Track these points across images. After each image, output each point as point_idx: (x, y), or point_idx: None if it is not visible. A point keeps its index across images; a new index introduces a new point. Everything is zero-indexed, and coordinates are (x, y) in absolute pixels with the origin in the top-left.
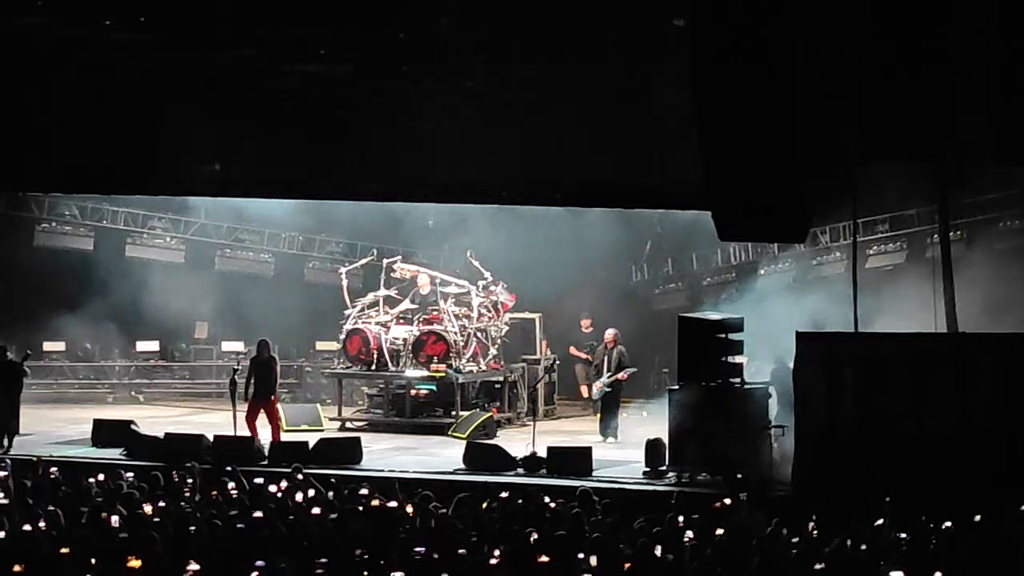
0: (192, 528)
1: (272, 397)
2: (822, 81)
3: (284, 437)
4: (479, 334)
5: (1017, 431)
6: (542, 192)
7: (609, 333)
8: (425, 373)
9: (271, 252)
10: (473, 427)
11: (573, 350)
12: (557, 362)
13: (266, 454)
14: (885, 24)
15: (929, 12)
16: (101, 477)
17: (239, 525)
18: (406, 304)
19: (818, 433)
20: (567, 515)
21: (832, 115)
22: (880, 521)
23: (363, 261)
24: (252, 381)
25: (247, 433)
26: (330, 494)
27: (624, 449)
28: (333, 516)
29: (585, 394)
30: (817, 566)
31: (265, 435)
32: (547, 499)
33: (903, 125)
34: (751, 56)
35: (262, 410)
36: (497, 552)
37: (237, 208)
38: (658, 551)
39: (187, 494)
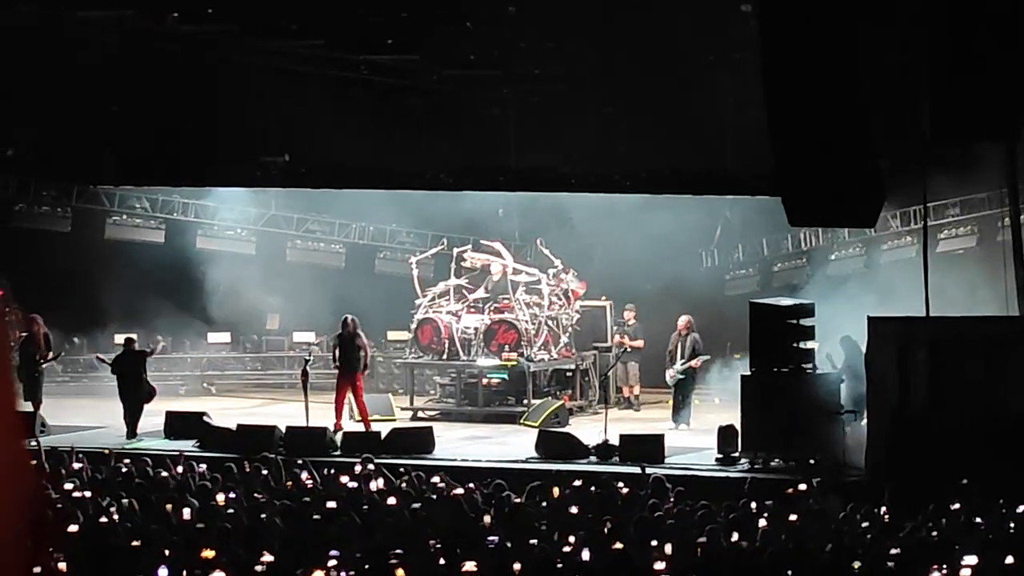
0: (265, 519)
1: (357, 374)
2: (892, 62)
3: (355, 427)
4: (550, 322)
5: None
6: (612, 179)
7: (682, 320)
8: (497, 362)
9: (342, 243)
10: (545, 415)
11: (624, 340)
12: (628, 349)
13: (339, 444)
14: (957, 2)
15: None
16: (177, 469)
17: (313, 516)
18: (478, 293)
19: (891, 418)
20: (640, 502)
21: (902, 97)
22: (956, 505)
23: (434, 250)
24: (337, 355)
25: (322, 422)
26: (403, 484)
27: (697, 436)
28: (408, 505)
29: (627, 394)
30: (892, 551)
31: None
32: (621, 485)
33: (974, 106)
34: (820, 39)
35: (349, 388)
36: (572, 539)
37: (307, 199)
38: (732, 537)
39: (260, 485)
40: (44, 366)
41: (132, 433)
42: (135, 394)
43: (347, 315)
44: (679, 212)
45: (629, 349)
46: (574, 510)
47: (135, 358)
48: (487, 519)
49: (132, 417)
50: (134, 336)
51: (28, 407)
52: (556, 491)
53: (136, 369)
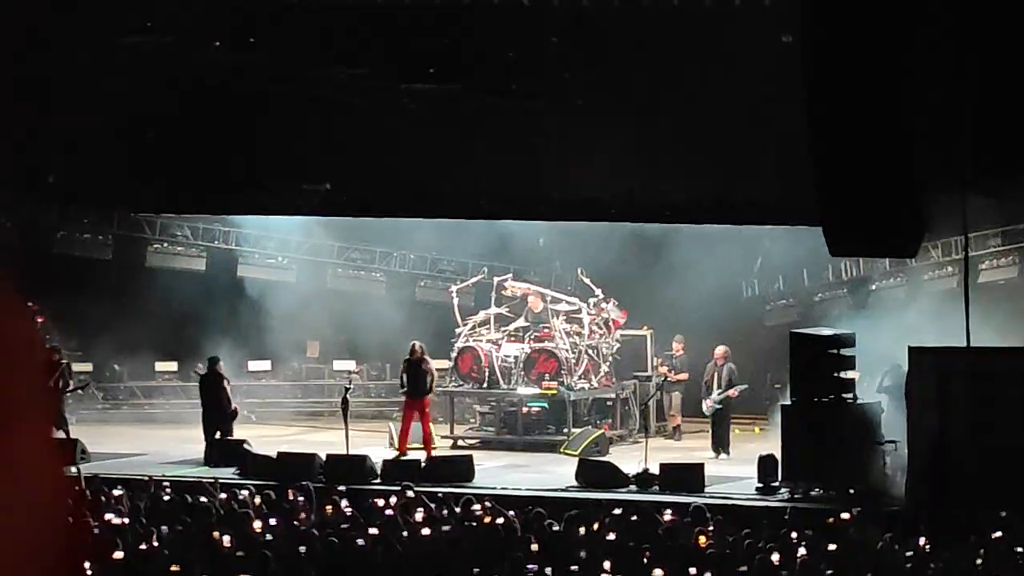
0: (305, 546)
1: (424, 398)
2: (936, 93)
3: (395, 455)
4: (590, 351)
5: None
6: (653, 209)
7: (719, 350)
8: (537, 391)
9: (383, 271)
10: (585, 444)
11: (666, 370)
12: (669, 379)
13: (378, 472)
14: (1003, 33)
15: None
16: (219, 496)
17: (353, 543)
18: (518, 322)
19: (931, 448)
20: (680, 531)
21: (945, 127)
22: (998, 534)
23: (474, 279)
24: (404, 381)
25: (362, 450)
26: (446, 510)
27: (736, 465)
28: (447, 533)
29: (674, 423)
30: None
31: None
32: (665, 514)
33: (1016, 138)
34: (864, 69)
35: (416, 412)
36: (608, 564)
37: (349, 227)
38: (772, 563)
39: (300, 513)
40: (68, 395)
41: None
42: (214, 414)
43: (414, 341)
44: (720, 241)
45: (673, 380)
46: (611, 537)
47: (216, 379)
48: (534, 547)
49: (210, 435)
50: (219, 356)
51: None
52: (595, 523)
53: (214, 388)
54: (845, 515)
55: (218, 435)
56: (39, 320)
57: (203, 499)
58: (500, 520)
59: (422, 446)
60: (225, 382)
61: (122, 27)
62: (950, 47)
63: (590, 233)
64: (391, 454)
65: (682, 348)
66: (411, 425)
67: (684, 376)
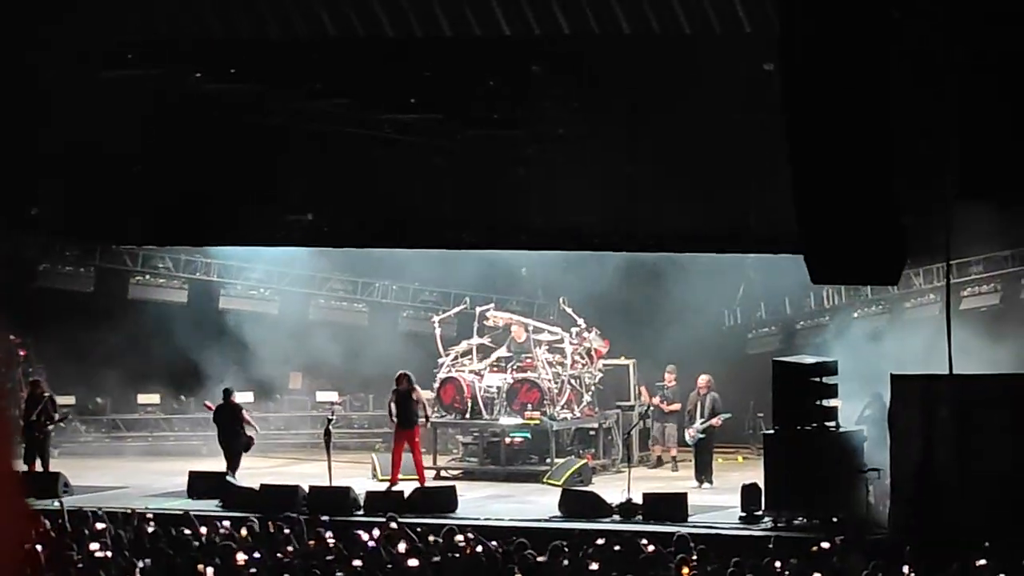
0: None
1: (415, 428)
2: (916, 121)
3: (380, 487)
4: (573, 381)
5: None
6: (635, 238)
7: (702, 379)
8: (519, 421)
9: (365, 301)
10: (568, 474)
11: (658, 401)
12: (652, 408)
13: (361, 504)
14: (984, 61)
15: None
16: (203, 530)
17: (337, 572)
18: (500, 352)
19: (914, 475)
20: (664, 560)
21: (927, 156)
22: (982, 562)
23: (456, 309)
24: (394, 412)
25: (345, 481)
26: (429, 540)
27: (720, 494)
28: (431, 564)
29: (658, 452)
30: None
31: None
32: (645, 542)
33: (999, 166)
34: (844, 98)
35: (406, 442)
36: None
37: (331, 258)
38: None
39: (283, 545)
40: (50, 428)
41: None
42: (232, 444)
43: (402, 371)
44: (702, 270)
45: (666, 411)
46: (594, 567)
47: (232, 409)
48: None
49: (231, 466)
50: (232, 388)
51: (23, 468)
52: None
53: (231, 419)
54: (828, 544)
55: (238, 464)
56: (21, 353)
57: (186, 531)
58: (483, 550)
59: (413, 476)
60: (244, 412)
61: (104, 60)
62: (929, 76)
63: (572, 263)
64: (374, 485)
65: (674, 378)
66: (401, 455)
67: (676, 407)
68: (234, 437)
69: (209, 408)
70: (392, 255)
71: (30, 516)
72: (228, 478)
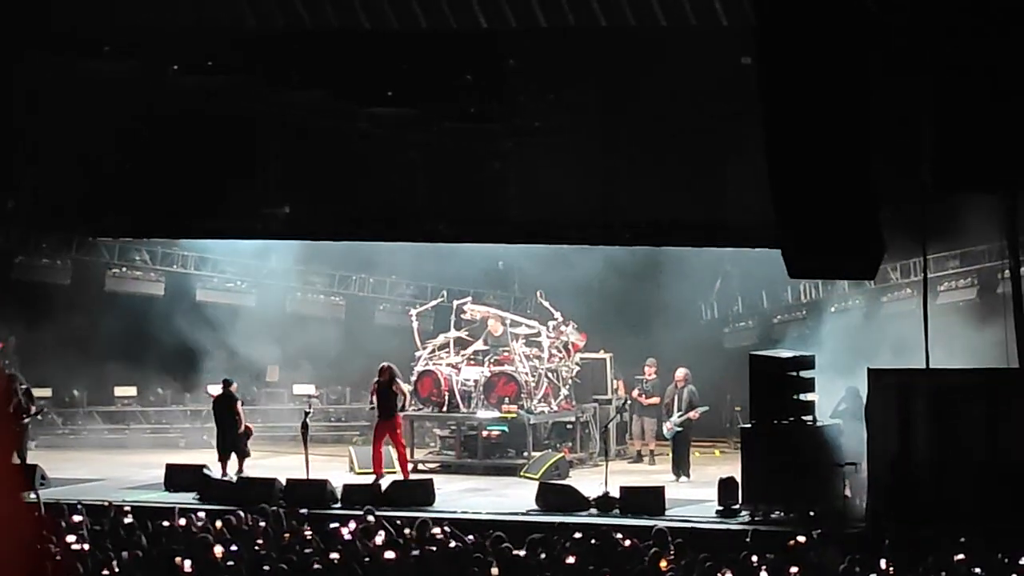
0: (266, 572)
1: (395, 418)
2: (893, 114)
3: (357, 480)
4: (550, 374)
5: None
6: (612, 231)
7: (679, 372)
8: (496, 414)
9: (342, 295)
10: (545, 467)
11: (637, 394)
12: (629, 402)
13: (339, 497)
14: (959, 54)
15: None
16: (181, 521)
17: (314, 565)
18: (477, 345)
19: (892, 469)
20: (641, 554)
21: (903, 149)
22: (959, 556)
23: (433, 303)
24: (376, 404)
25: (322, 474)
26: (406, 533)
27: (697, 488)
28: (409, 558)
29: (637, 446)
30: None
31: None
32: (620, 536)
33: (975, 159)
34: (821, 92)
35: (387, 434)
36: None
37: (308, 251)
38: None
39: (260, 538)
40: (26, 421)
41: (224, 471)
42: (229, 434)
43: (384, 363)
44: (678, 265)
45: (645, 405)
46: (571, 560)
47: (229, 400)
48: (494, 571)
49: (228, 456)
50: (231, 379)
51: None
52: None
53: (228, 409)
54: (805, 538)
55: (232, 457)
56: None
57: (164, 524)
58: (460, 544)
59: (396, 468)
60: (239, 404)
61: (81, 52)
62: (904, 70)
63: (550, 256)
64: (352, 478)
65: (654, 372)
66: (382, 448)
67: (655, 400)
68: (231, 427)
69: (213, 397)
70: (369, 248)
71: (32, 515)
72: (239, 473)
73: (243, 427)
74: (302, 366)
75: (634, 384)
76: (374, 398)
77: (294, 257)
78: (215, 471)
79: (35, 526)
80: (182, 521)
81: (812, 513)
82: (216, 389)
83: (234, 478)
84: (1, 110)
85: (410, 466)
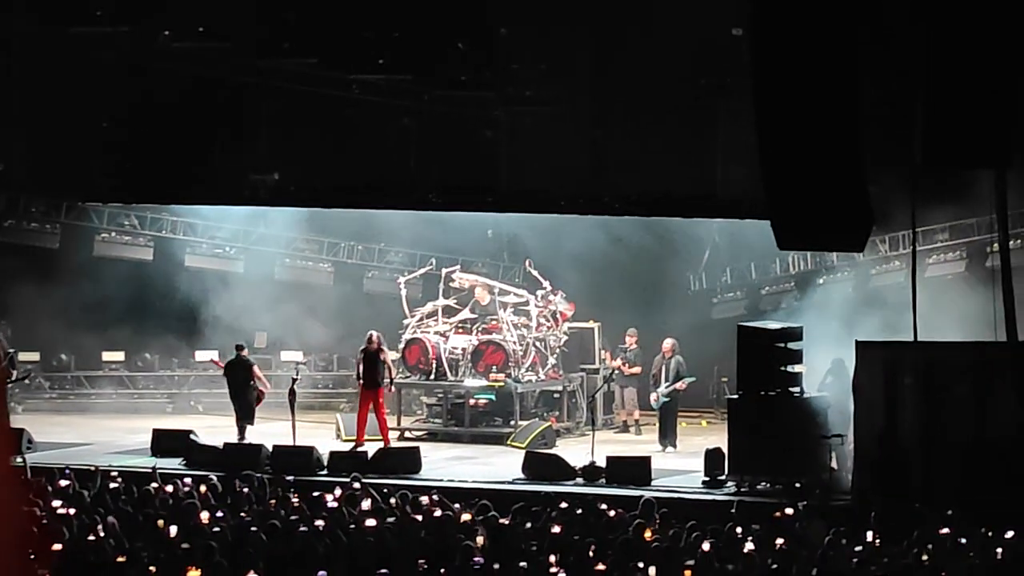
0: (251, 537)
1: (379, 388)
2: (883, 87)
3: (343, 447)
4: (538, 343)
5: None
6: (602, 201)
7: (667, 343)
8: (484, 383)
9: (330, 262)
10: (532, 436)
11: (619, 363)
12: (617, 372)
13: (325, 464)
14: (950, 28)
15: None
16: (166, 488)
17: (299, 531)
18: (465, 314)
19: (878, 442)
20: (626, 524)
21: (893, 122)
22: (944, 530)
23: (422, 271)
24: (360, 371)
25: (309, 441)
26: (392, 501)
27: (683, 459)
28: (394, 525)
29: (623, 417)
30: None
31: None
32: (605, 506)
33: (965, 133)
34: (812, 64)
35: (371, 403)
36: (553, 559)
37: (297, 218)
38: (718, 561)
39: (246, 504)
40: (10, 385)
41: (242, 436)
42: (244, 398)
43: (371, 331)
44: (667, 235)
45: (627, 374)
46: (556, 530)
47: (243, 364)
48: (479, 540)
49: (242, 420)
50: (243, 344)
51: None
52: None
53: (243, 374)
54: (791, 509)
55: (252, 418)
56: None
57: (149, 489)
58: (446, 512)
59: (378, 437)
60: (255, 367)
61: (72, 16)
62: (895, 43)
63: (539, 225)
64: (338, 445)
65: (635, 341)
66: (367, 415)
67: (637, 370)
68: (246, 391)
69: (217, 364)
70: (358, 215)
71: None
72: (245, 433)
73: (259, 391)
74: (290, 333)
75: (617, 353)
76: (360, 367)
77: (283, 224)
78: (200, 436)
79: (27, 492)
80: (169, 488)
81: (798, 485)
82: (204, 355)
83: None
84: None
85: (396, 434)
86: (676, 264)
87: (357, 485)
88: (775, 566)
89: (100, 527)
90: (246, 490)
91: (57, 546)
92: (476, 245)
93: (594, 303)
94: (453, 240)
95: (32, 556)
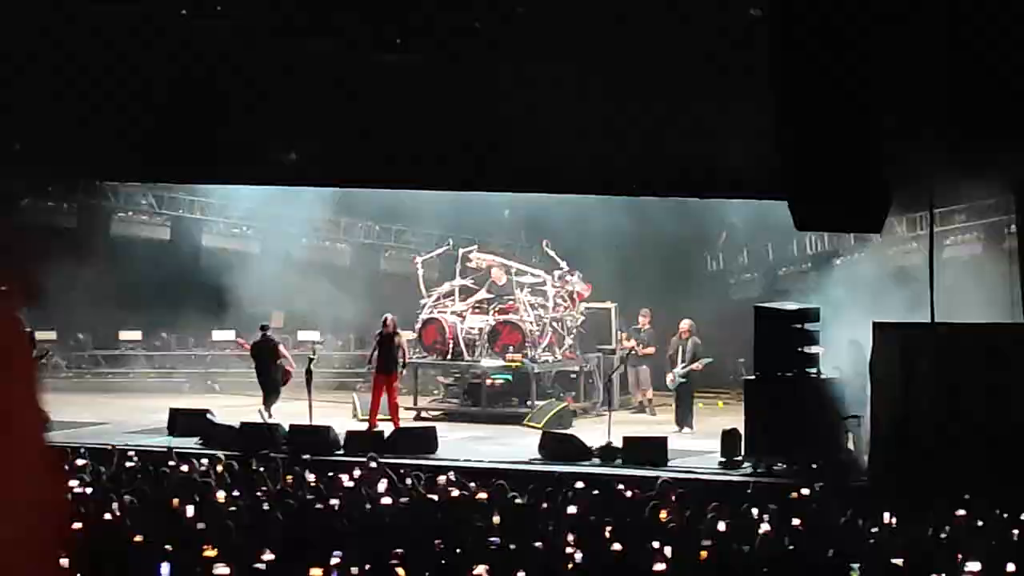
0: (267, 517)
1: (393, 373)
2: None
3: (360, 427)
4: (555, 324)
5: None
6: (618, 181)
7: (684, 324)
8: (501, 363)
9: (347, 241)
10: (548, 417)
11: (634, 343)
12: (634, 352)
13: (342, 443)
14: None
15: None
16: (182, 467)
17: (316, 511)
18: (482, 294)
19: (894, 424)
20: (642, 505)
21: (911, 102)
22: (961, 512)
23: (439, 250)
24: (375, 355)
25: (325, 421)
26: (408, 481)
27: (699, 439)
28: (411, 505)
29: (640, 398)
30: (894, 558)
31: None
32: (621, 486)
33: (984, 112)
34: (830, 43)
35: (385, 387)
36: (570, 539)
37: (314, 198)
38: (734, 541)
39: (263, 483)
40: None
41: (269, 415)
42: (270, 377)
43: (387, 314)
44: (683, 215)
45: (640, 354)
46: (573, 510)
47: (268, 344)
48: (495, 519)
49: (268, 400)
50: (269, 323)
51: None
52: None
53: (269, 354)
54: (808, 491)
55: (276, 397)
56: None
57: (166, 469)
58: (463, 492)
59: (389, 418)
60: (280, 347)
61: None
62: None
63: (556, 205)
64: (355, 425)
65: (649, 321)
66: (380, 400)
67: (651, 350)
68: (272, 371)
69: (243, 345)
70: (374, 195)
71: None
72: (261, 411)
73: (285, 370)
74: (307, 312)
75: (631, 334)
76: (375, 353)
77: (300, 203)
78: (218, 416)
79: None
80: (185, 467)
81: (814, 466)
82: (222, 334)
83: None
84: (5, 52)
85: (412, 413)
86: (693, 245)
87: (374, 464)
88: (791, 547)
89: (116, 506)
90: (262, 469)
91: (77, 525)
92: (493, 225)
93: (611, 283)
94: (470, 220)
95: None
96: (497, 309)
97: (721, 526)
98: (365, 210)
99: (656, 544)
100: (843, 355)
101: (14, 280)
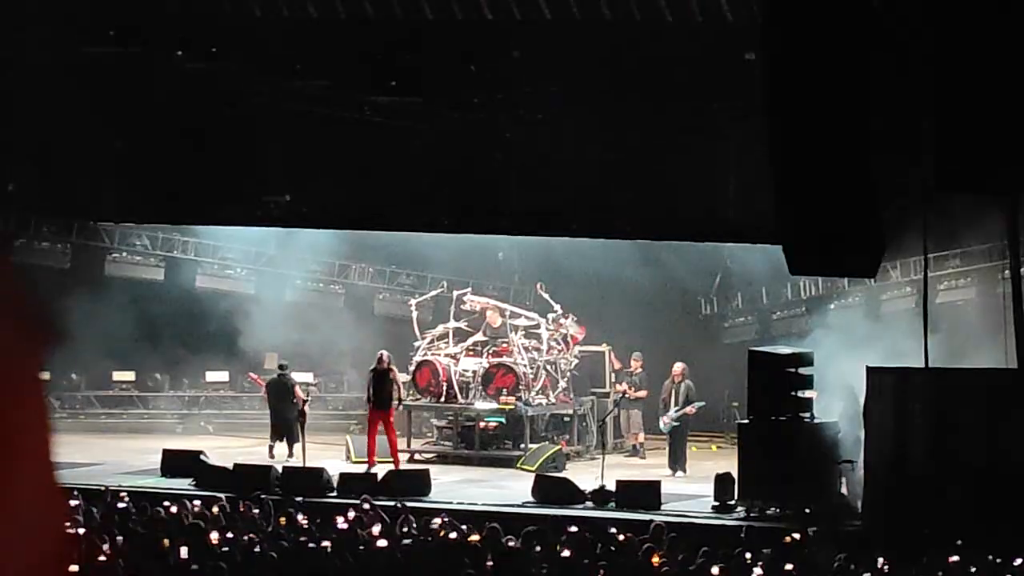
0: (260, 558)
1: (389, 410)
2: (895, 113)
3: (352, 468)
4: (548, 367)
5: None
6: (613, 224)
7: (677, 367)
8: (494, 405)
9: (341, 283)
10: (542, 460)
11: (626, 387)
12: (626, 396)
13: (335, 485)
14: (961, 53)
15: (1006, 44)
16: (173, 509)
17: (308, 552)
18: (476, 336)
19: (888, 468)
20: (635, 548)
21: (905, 148)
22: (954, 558)
23: (433, 293)
24: (370, 392)
25: (319, 463)
26: (403, 525)
27: (693, 483)
28: (402, 545)
29: (633, 441)
30: None
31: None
32: (614, 530)
33: (977, 159)
34: (825, 89)
35: (381, 423)
36: None
37: (308, 239)
38: None
39: (255, 525)
40: None
41: (291, 453)
42: (286, 419)
43: (381, 351)
44: (679, 259)
45: (632, 398)
46: (566, 554)
47: (286, 384)
48: (488, 563)
49: (289, 439)
50: (286, 362)
51: None
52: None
53: (286, 394)
54: (801, 535)
55: (286, 441)
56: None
57: (159, 510)
58: (455, 535)
59: (388, 459)
60: (297, 387)
61: (85, 36)
62: (907, 68)
63: (550, 248)
64: (348, 467)
65: (641, 365)
66: (376, 434)
67: (643, 393)
68: (287, 411)
69: (256, 382)
70: (369, 237)
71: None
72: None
73: (301, 409)
74: (300, 354)
75: (622, 378)
76: (370, 389)
77: (294, 245)
78: (211, 457)
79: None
80: (171, 507)
81: (808, 510)
82: (215, 376)
83: (283, 463)
84: (2, 93)
85: (406, 456)
86: (687, 288)
87: (367, 507)
88: None
89: (106, 546)
90: (255, 511)
91: (74, 568)
92: (487, 267)
93: (604, 327)
94: (464, 262)
95: None
96: (491, 352)
97: (715, 570)
98: (359, 252)
99: None
100: (837, 399)
101: (38, 320)
